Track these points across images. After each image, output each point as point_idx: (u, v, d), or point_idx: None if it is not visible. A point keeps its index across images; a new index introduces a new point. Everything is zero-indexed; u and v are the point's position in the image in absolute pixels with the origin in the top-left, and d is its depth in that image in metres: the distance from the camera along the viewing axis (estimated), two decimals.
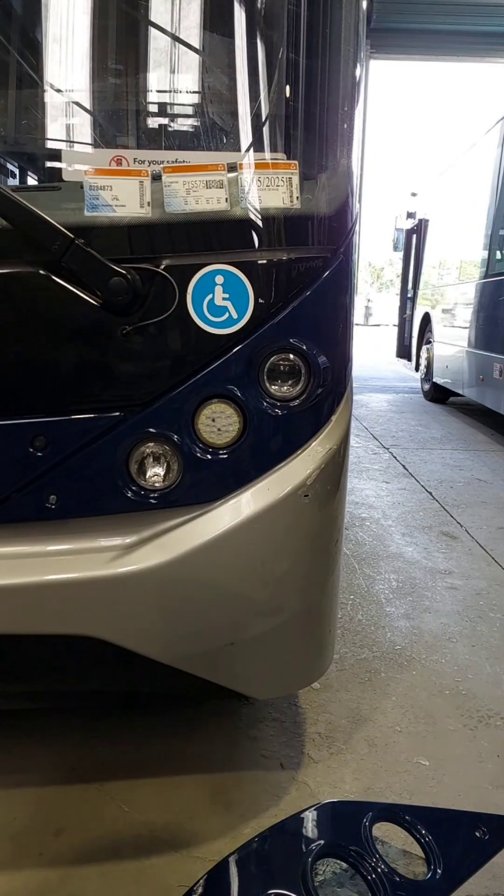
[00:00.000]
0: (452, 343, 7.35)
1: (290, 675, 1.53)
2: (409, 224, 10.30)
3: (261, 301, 1.27)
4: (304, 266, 1.30)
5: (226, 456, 1.31)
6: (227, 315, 1.27)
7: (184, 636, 1.34)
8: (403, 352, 10.48)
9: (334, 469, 1.38)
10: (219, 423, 1.30)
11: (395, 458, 5.25)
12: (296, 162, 1.28)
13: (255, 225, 1.27)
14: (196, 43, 1.50)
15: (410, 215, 10.36)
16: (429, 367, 8.45)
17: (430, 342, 8.43)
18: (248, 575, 1.35)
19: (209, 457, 1.31)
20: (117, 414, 1.29)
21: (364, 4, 1.45)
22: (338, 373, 1.37)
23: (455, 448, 5.70)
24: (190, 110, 1.58)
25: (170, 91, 1.57)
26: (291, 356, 1.31)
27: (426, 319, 8.74)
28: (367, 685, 2.13)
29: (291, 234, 1.30)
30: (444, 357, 7.74)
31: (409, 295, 10.11)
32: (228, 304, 1.27)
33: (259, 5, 1.42)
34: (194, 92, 1.56)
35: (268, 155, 1.32)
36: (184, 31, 1.48)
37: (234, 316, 1.27)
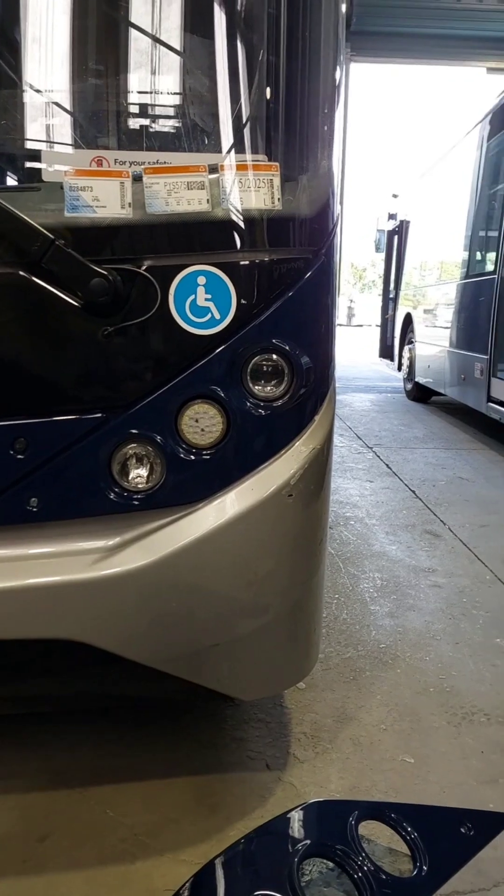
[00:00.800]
0: (434, 343, 7.40)
1: (276, 675, 1.53)
2: (391, 225, 10.37)
3: (243, 302, 1.27)
4: (287, 267, 1.30)
5: (209, 456, 1.31)
6: (209, 316, 1.27)
7: (168, 638, 1.34)
8: (386, 352, 10.54)
9: (318, 468, 1.38)
10: (202, 423, 1.30)
11: (378, 457, 5.28)
12: (277, 164, 1.28)
13: (236, 226, 1.27)
14: (177, 44, 1.50)
15: (392, 216, 10.43)
16: (411, 366, 8.51)
17: (411, 342, 8.49)
18: (233, 575, 1.34)
19: (193, 457, 1.30)
20: (99, 415, 1.28)
21: (343, 7, 1.46)
22: (321, 373, 1.37)
23: (437, 447, 5.74)
24: (171, 112, 1.57)
25: (151, 92, 1.56)
26: (274, 356, 1.31)
27: (408, 320, 8.80)
28: (352, 684, 2.13)
29: (273, 235, 1.30)
30: (426, 357, 7.79)
31: (391, 295, 10.17)
32: (211, 304, 1.26)
33: (240, 8, 1.42)
34: (175, 93, 1.56)
35: (249, 156, 1.32)
36: (165, 33, 1.48)
37: (217, 317, 1.27)
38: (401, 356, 9.18)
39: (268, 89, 1.36)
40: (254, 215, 1.27)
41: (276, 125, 1.35)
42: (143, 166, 1.26)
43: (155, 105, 1.56)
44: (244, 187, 1.27)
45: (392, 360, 10.00)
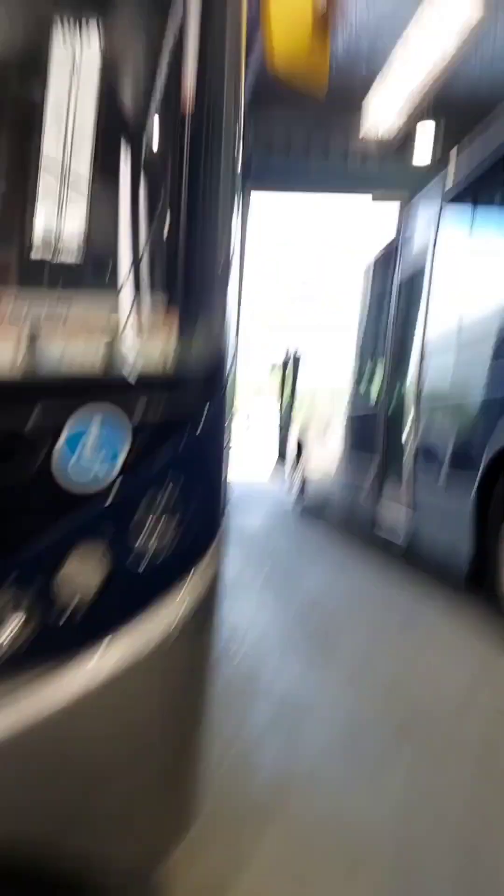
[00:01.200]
0: (323, 470, 7.72)
1: (150, 845, 1.39)
2: (286, 354, 11.06)
3: (133, 450, 1.27)
4: (178, 417, 1.33)
5: (89, 608, 1.24)
6: (96, 463, 1.25)
7: (31, 815, 1.20)
8: (279, 470, 10.88)
9: (204, 618, 1.34)
10: (80, 573, 1.24)
11: (268, 579, 5.27)
12: (173, 317, 1.33)
13: (128, 376, 1.30)
14: (72, 183, 1.45)
15: (286, 347, 11.15)
16: (302, 488, 8.78)
17: (303, 465, 8.81)
18: (109, 737, 1.24)
19: (70, 610, 1.23)
20: None
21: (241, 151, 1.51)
22: (209, 521, 1.37)
23: (326, 570, 5.83)
24: (64, 253, 1.48)
25: (40, 230, 1.46)
26: (162, 504, 1.30)
27: (300, 443, 9.18)
28: (234, 843, 1.98)
29: (166, 386, 1.33)
30: (316, 480, 8.09)
31: (285, 420, 10.65)
32: (98, 452, 1.25)
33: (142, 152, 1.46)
34: (67, 232, 1.47)
35: (145, 307, 1.36)
36: (51, 170, 1.44)
37: (104, 464, 1.25)
38: (293, 477, 9.47)
39: (165, 234, 1.41)
40: (147, 366, 1.30)
41: (172, 275, 1.39)
42: (33, 313, 1.27)
43: (44, 244, 1.51)
44: (137, 338, 1.31)
45: (285, 477, 10.30)
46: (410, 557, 5.01)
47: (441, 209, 4.91)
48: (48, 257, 1.46)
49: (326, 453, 7.68)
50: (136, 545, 1.26)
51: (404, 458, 5.15)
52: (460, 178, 4.60)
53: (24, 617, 1.21)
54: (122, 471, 1.26)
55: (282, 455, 10.70)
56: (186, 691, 1.35)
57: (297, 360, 10.31)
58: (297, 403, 10.01)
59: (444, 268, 4.85)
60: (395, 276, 5.83)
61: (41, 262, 1.47)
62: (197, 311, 1.39)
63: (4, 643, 1.20)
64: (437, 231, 4.98)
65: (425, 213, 5.29)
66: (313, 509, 8.25)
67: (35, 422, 1.22)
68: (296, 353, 10.43)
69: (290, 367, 10.69)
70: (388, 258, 6.14)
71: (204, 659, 1.38)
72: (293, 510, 9.18)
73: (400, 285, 5.72)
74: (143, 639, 1.26)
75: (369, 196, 12.39)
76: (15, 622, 1.21)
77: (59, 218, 1.45)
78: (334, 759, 2.53)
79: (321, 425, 8.16)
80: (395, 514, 5.38)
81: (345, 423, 7.14)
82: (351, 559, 6.29)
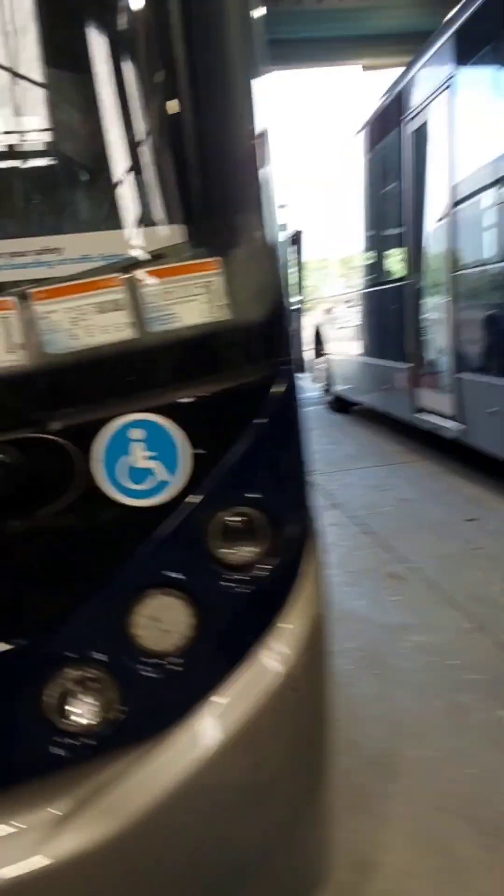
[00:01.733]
0: (349, 354, 7.28)
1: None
2: (284, 236, 10.25)
3: (197, 451, 0.93)
4: (243, 393, 0.97)
5: (181, 663, 0.95)
6: (153, 478, 0.92)
7: None
8: (299, 366, 10.42)
9: (320, 641, 1.06)
10: (165, 620, 0.94)
11: (316, 485, 5.03)
12: (217, 259, 0.95)
13: (172, 353, 0.93)
14: (61, 84, 1.10)
15: (282, 227, 10.32)
16: (328, 378, 8.37)
17: (325, 354, 8.36)
18: (232, 812, 1.00)
19: (158, 669, 0.95)
20: (21, 643, 0.90)
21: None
22: (303, 518, 1.05)
23: (372, 464, 5.56)
24: (54, 184, 1.19)
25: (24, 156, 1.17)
26: (247, 513, 0.98)
27: (318, 331, 8.68)
28: (361, 810, 1.82)
29: (223, 355, 0.96)
30: (342, 368, 7.67)
31: (297, 307, 10.04)
32: (154, 463, 0.92)
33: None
34: (59, 159, 1.17)
35: (178, 250, 0.96)
36: (29, 66, 1.09)
37: (164, 478, 0.92)
38: (314, 368, 9.05)
39: (190, 150, 1.01)
40: (192, 335, 0.93)
41: (205, 198, 0.99)
42: (28, 288, 0.89)
43: (31, 175, 1.18)
44: (175, 298, 0.93)
45: (303, 371, 9.87)
46: (463, 449, 4.65)
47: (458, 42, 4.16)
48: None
49: (349, 336, 7.20)
50: (226, 564, 0.96)
51: (442, 334, 4.69)
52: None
53: (105, 686, 0.93)
54: (190, 472, 0.93)
55: (298, 343, 10.20)
56: (316, 732, 1.09)
57: (298, 237, 9.57)
58: (307, 286, 9.40)
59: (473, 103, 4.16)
60: (404, 127, 5.11)
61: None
62: (241, 238, 0.99)
63: (83, 728, 0.93)
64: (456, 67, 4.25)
65: (438, 52, 4.51)
66: (344, 398, 7.87)
67: (63, 422, 0.88)
68: (298, 231, 9.67)
69: (293, 245, 9.95)
70: (388, 112, 5.38)
71: (327, 688, 1.11)
72: (322, 400, 8.83)
73: (414, 134, 5.01)
74: (259, 681, 0.98)
75: (359, 67, 10.99)
76: (93, 698, 0.93)
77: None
78: (440, 691, 2.34)
79: (338, 306, 7.62)
80: (437, 401, 4.98)
81: (365, 300, 6.60)
82: (394, 454, 5.95)
